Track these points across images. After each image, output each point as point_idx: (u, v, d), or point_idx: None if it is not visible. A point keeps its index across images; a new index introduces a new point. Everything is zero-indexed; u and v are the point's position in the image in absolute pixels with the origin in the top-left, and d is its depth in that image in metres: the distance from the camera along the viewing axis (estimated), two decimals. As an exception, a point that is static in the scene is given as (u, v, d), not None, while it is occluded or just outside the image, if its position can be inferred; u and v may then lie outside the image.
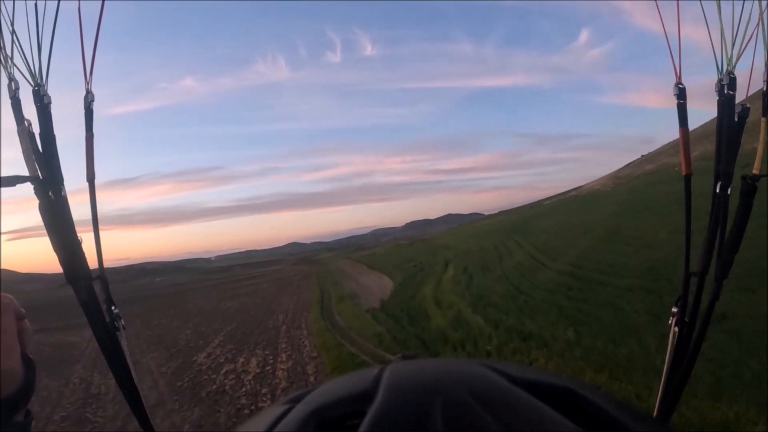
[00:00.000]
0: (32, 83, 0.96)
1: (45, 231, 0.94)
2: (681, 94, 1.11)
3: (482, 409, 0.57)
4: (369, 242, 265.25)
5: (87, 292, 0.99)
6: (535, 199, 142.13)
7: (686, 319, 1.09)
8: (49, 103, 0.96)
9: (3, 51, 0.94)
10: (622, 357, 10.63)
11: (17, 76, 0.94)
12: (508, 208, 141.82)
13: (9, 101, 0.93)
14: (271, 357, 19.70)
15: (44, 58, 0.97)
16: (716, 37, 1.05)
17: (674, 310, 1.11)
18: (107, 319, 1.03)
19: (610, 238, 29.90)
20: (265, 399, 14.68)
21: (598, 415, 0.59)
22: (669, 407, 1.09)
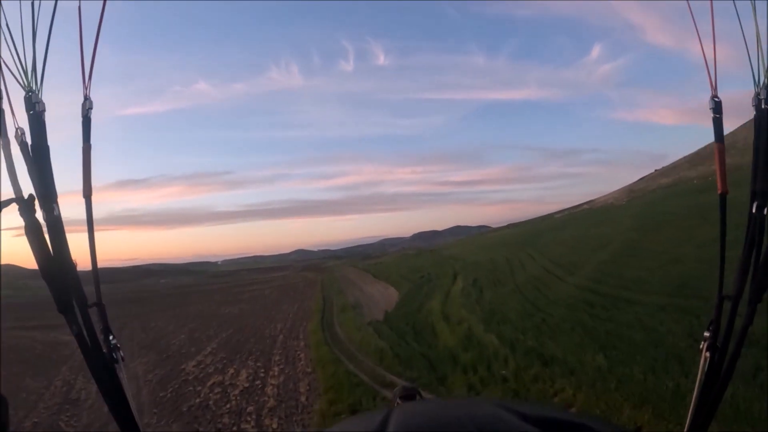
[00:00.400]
0: (24, 88, 0.87)
1: (31, 249, 0.85)
2: (717, 107, 1.06)
3: None
4: (376, 251, 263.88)
5: (82, 322, 0.89)
6: (544, 213, 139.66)
7: (718, 345, 1.03)
8: (43, 111, 0.87)
9: None
10: (666, 390, 8.91)
11: (7, 78, 0.86)
12: (517, 221, 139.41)
13: None
14: (262, 370, 18.14)
15: (39, 62, 0.88)
16: (753, 50, 1.02)
17: (706, 334, 1.05)
18: (104, 350, 0.94)
19: (630, 252, 28.14)
20: (249, 419, 13.08)
21: None
22: None
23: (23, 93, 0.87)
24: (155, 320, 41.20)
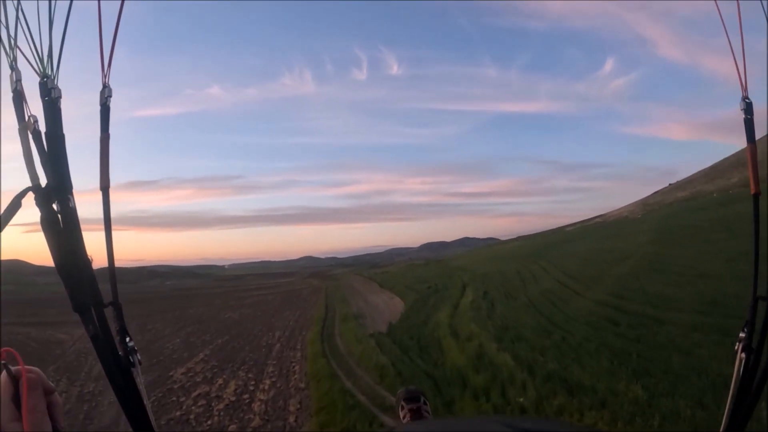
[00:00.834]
0: (39, 73, 0.83)
1: (46, 242, 0.80)
2: (748, 108, 1.05)
3: None
4: (384, 261, 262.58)
5: (98, 322, 0.86)
6: (554, 227, 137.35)
7: (753, 346, 1.02)
8: (59, 97, 0.83)
9: (5, 33, 0.81)
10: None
11: (22, 63, 0.82)
12: (527, 234, 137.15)
13: (10, 94, 0.81)
14: (252, 382, 16.67)
15: (56, 46, 0.83)
16: None
17: (741, 335, 1.04)
18: (121, 353, 0.90)
19: (652, 267, 26.48)
20: (229, 440, 11.63)
21: None
22: None
23: (36, 79, 0.82)
24: (153, 322, 40.04)
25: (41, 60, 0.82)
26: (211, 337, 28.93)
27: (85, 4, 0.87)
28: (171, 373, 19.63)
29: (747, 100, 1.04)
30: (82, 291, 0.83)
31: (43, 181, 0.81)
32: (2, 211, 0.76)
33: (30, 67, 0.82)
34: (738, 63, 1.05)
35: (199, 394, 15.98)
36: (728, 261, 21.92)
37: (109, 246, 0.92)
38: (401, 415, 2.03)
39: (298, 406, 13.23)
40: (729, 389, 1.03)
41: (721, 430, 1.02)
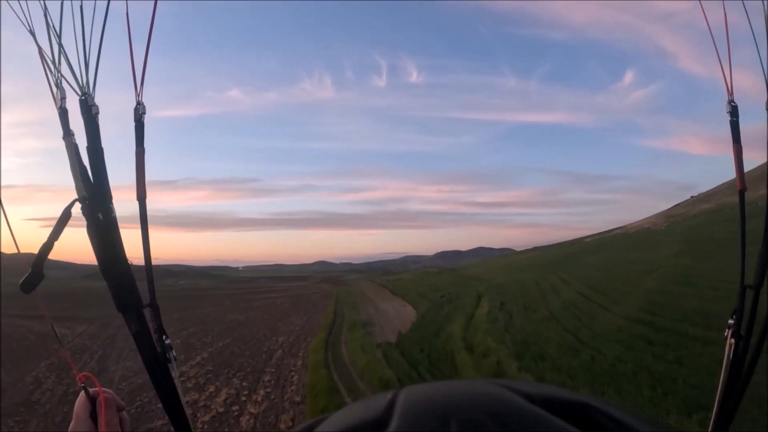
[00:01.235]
0: (79, 93, 0.90)
1: (92, 248, 0.89)
2: (734, 111, 1.12)
3: (499, 429, 0.58)
4: (398, 268, 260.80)
5: (138, 321, 0.92)
6: (570, 239, 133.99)
7: (742, 332, 1.08)
8: (97, 113, 0.91)
9: (49, 57, 0.90)
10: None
11: (63, 85, 0.90)
12: (542, 245, 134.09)
13: (56, 112, 0.90)
14: (246, 392, 15.28)
15: (92, 67, 0.92)
16: (764, 50, 1.06)
17: (730, 322, 1.10)
18: (159, 350, 0.97)
19: (684, 280, 24.44)
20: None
21: (618, 430, 0.62)
22: (725, 422, 1.07)
23: (76, 98, 0.91)
24: (157, 322, 39.07)
25: (80, 81, 0.89)
26: (213, 340, 27.73)
27: (119, 30, 0.97)
28: (163, 377, 18.37)
29: (733, 104, 1.11)
30: (124, 293, 0.89)
31: (77, 192, 0.88)
32: (55, 223, 0.87)
33: (69, 88, 0.90)
34: (724, 68, 1.10)
35: (186, 402, 14.59)
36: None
37: (147, 252, 0.98)
38: None
39: (290, 423, 11.80)
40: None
41: (714, 413, 1.05)
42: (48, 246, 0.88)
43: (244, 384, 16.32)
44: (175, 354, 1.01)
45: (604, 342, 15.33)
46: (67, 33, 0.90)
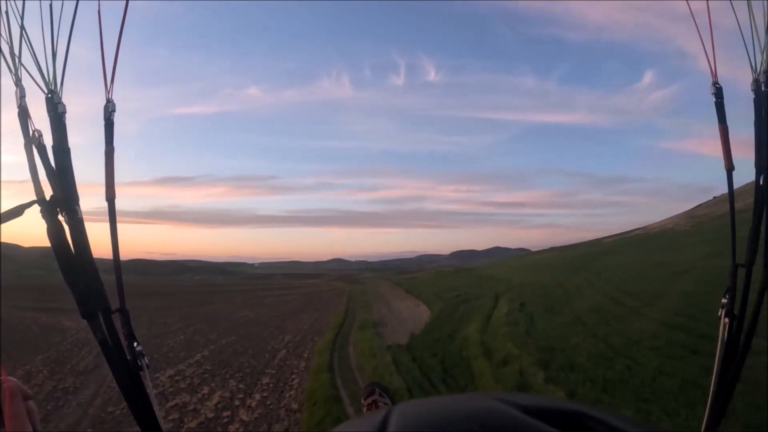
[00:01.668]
0: (45, 89, 0.86)
1: (53, 251, 0.84)
2: (718, 93, 1.13)
3: None
4: (413, 267, 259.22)
5: (106, 328, 0.88)
6: (587, 240, 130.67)
7: (735, 312, 1.08)
8: (64, 112, 0.86)
9: (9, 51, 0.83)
10: None
11: (27, 80, 0.85)
12: (559, 246, 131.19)
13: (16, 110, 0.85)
14: (240, 395, 13.95)
15: (59, 62, 0.86)
16: (748, 36, 1.05)
17: (724, 301, 1.11)
18: (129, 357, 0.93)
19: (720, 282, 21.42)
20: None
21: None
22: (723, 402, 1.05)
23: (42, 95, 0.86)
24: (166, 317, 38.35)
25: (46, 76, 0.84)
26: (217, 337, 26.60)
27: (89, 22, 0.92)
28: (157, 375, 17.20)
29: (717, 85, 1.12)
30: (89, 299, 0.85)
31: (49, 193, 0.83)
32: (3, 211, 0.80)
33: (34, 84, 0.85)
34: (707, 49, 1.10)
35: (174, 405, 13.40)
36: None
37: (116, 254, 0.96)
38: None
39: (282, 435, 10.41)
40: None
41: (711, 392, 1.05)
42: None
43: (241, 386, 15.02)
44: (147, 361, 0.94)
45: (640, 350, 13.61)
46: (33, 25, 0.83)
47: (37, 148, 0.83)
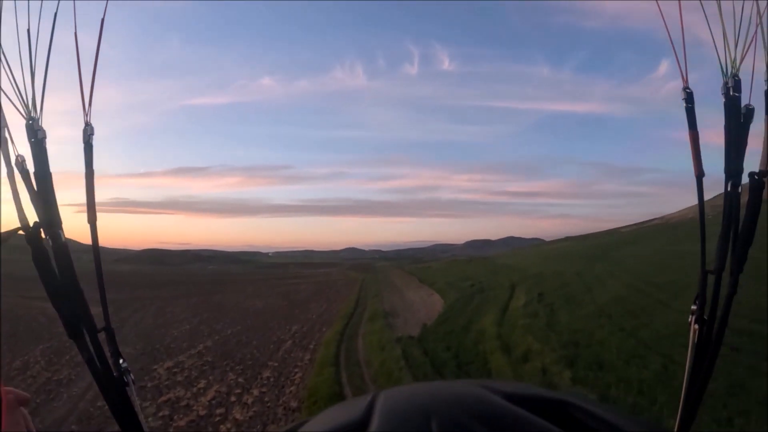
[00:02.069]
0: (25, 116, 0.87)
1: (39, 277, 0.86)
2: (689, 98, 1.13)
3: (480, 429, 0.59)
4: (427, 256, 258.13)
5: (92, 347, 0.90)
6: (601, 230, 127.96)
7: (705, 317, 1.07)
8: (44, 138, 0.88)
9: None
10: None
11: (7, 107, 0.86)
12: (575, 235, 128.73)
13: None
14: (238, 391, 13.02)
15: (38, 88, 0.88)
16: (719, 40, 1.06)
17: (693, 308, 1.09)
18: (115, 374, 0.94)
19: (751, 273, 20.40)
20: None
21: (597, 427, 0.62)
22: (692, 407, 1.05)
23: (22, 122, 0.88)
24: (174, 306, 37.96)
25: (26, 103, 0.85)
26: (223, 327, 25.87)
27: (67, 48, 0.92)
28: (155, 367, 16.46)
29: (687, 90, 1.12)
30: (75, 319, 0.86)
31: (30, 219, 0.84)
32: None
33: (15, 110, 0.86)
34: (678, 54, 1.11)
35: (168, 400, 12.55)
36: None
37: (99, 275, 0.98)
38: None
39: (276, 440, 9.41)
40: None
41: (681, 399, 1.05)
42: None
43: (240, 381, 14.11)
44: (133, 377, 0.96)
45: (674, 346, 12.27)
46: (11, 53, 0.85)
47: (20, 174, 0.83)
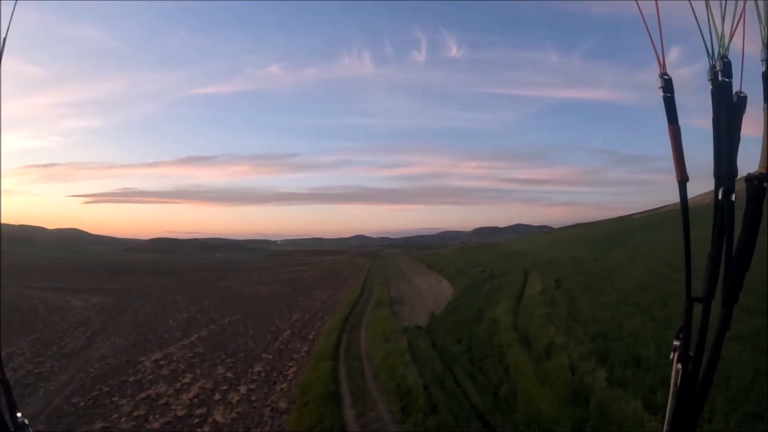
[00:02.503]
0: None
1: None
2: (667, 86, 0.95)
3: None
4: (435, 243, 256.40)
5: None
6: (609, 218, 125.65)
7: (691, 354, 0.92)
8: None
9: None
10: None
11: None
12: (584, 222, 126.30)
13: None
14: (224, 387, 11.69)
15: None
16: (702, 15, 0.92)
17: (676, 343, 0.93)
18: (12, 429, 0.89)
19: None
20: None
21: None
22: None
23: None
24: (176, 294, 37.05)
25: None
26: (221, 315, 24.67)
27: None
28: (142, 359, 15.25)
29: (665, 77, 0.93)
30: None
31: None
32: None
33: None
34: (654, 38, 0.95)
35: (147, 396, 11.28)
36: None
37: None
38: None
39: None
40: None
41: None
42: None
43: (228, 375, 12.81)
44: (31, 431, 0.85)
45: (727, 342, 10.68)
46: None
47: None
